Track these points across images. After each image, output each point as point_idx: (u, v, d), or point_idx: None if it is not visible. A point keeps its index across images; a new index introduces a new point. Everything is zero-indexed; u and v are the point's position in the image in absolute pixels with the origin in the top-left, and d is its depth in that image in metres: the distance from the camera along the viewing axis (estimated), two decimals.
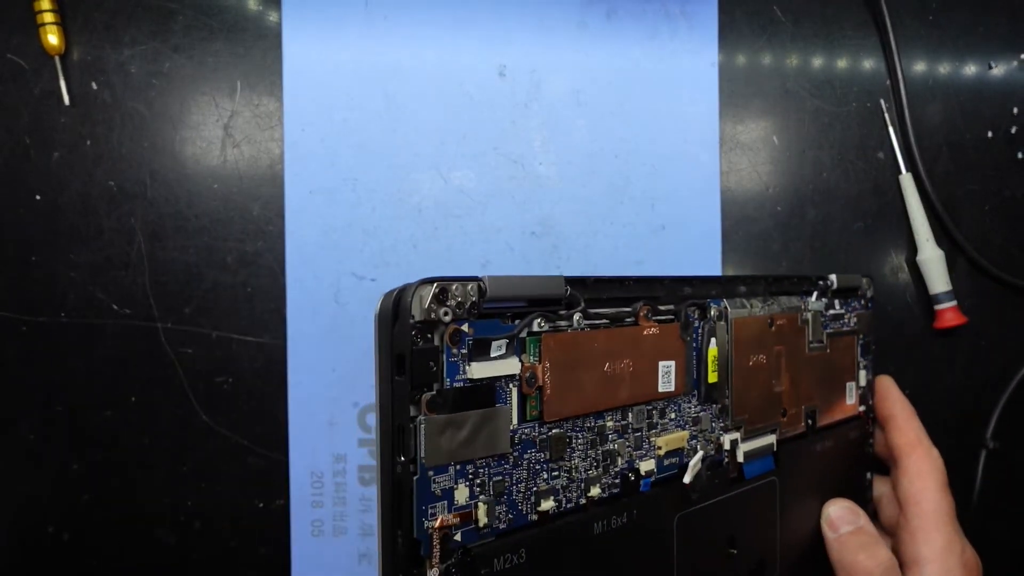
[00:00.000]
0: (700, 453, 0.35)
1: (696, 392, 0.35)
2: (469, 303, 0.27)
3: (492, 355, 0.27)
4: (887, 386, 0.46)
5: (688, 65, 0.48)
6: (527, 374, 0.28)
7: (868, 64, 0.51)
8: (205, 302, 0.44)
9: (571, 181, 0.47)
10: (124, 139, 0.43)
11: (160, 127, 0.43)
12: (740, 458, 0.37)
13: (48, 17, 0.41)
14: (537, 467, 0.29)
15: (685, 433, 0.35)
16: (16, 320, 0.42)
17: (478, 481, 0.27)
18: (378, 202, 0.45)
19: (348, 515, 0.45)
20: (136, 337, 0.43)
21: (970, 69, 0.51)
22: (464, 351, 0.27)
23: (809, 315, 0.41)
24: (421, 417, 0.25)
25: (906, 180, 0.50)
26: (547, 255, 0.47)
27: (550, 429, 0.29)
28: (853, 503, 0.43)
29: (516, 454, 0.28)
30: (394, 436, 0.25)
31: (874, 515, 0.45)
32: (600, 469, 0.31)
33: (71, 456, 0.43)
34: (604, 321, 0.31)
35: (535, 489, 0.29)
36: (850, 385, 0.44)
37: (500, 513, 0.28)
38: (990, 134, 0.51)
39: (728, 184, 0.49)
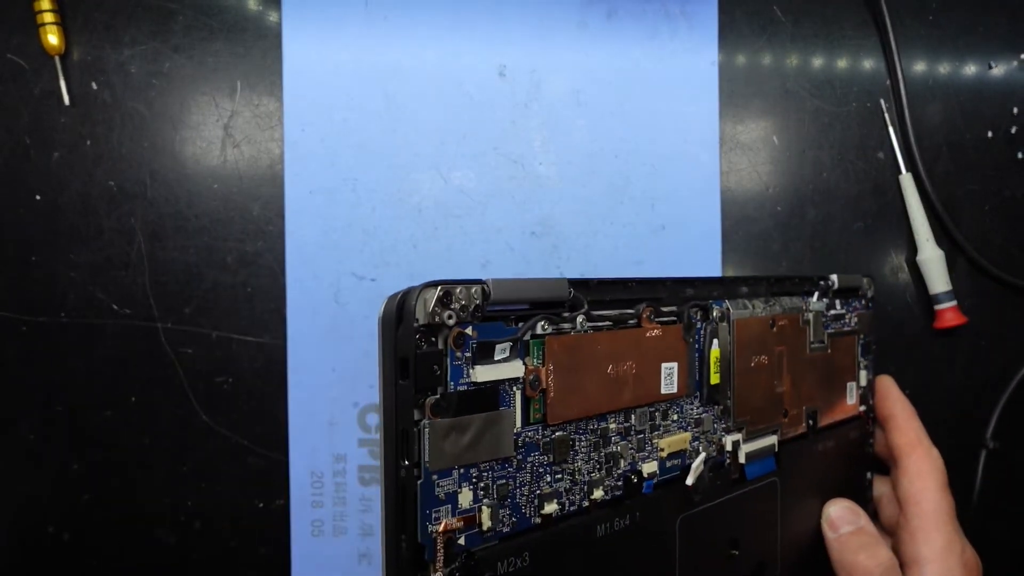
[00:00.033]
0: (703, 455, 0.35)
1: (698, 393, 0.35)
2: (473, 306, 0.27)
3: (496, 358, 0.27)
4: (887, 386, 0.46)
5: (688, 65, 0.48)
6: (531, 377, 0.28)
7: (868, 64, 0.51)
8: (205, 302, 0.44)
9: (571, 181, 0.47)
10: (124, 139, 0.43)
11: (160, 127, 0.43)
12: (742, 459, 0.37)
13: (48, 17, 0.41)
14: (540, 470, 0.29)
15: (687, 435, 0.35)
16: (16, 320, 0.42)
17: (482, 485, 0.27)
18: (378, 202, 0.45)
19: (348, 515, 0.45)
20: (136, 337, 0.43)
21: (970, 69, 0.51)
22: (468, 354, 0.27)
23: (811, 315, 0.41)
24: (425, 421, 0.25)
25: (906, 180, 0.50)
26: (547, 255, 0.47)
27: (553, 432, 0.29)
28: (853, 503, 0.43)
29: (520, 457, 0.28)
30: (398, 440, 0.25)
31: (874, 515, 0.45)
32: (603, 471, 0.31)
33: (71, 456, 0.43)
34: (607, 323, 0.31)
35: (538, 492, 0.29)
36: (851, 385, 0.44)
37: (504, 516, 0.28)
38: (990, 134, 0.51)
39: (728, 184, 0.49)
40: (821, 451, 0.42)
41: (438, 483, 0.26)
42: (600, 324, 0.31)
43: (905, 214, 0.50)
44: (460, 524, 0.26)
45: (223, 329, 0.44)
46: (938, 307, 0.50)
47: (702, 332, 0.36)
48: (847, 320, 0.44)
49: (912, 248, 0.50)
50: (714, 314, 0.36)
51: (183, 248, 0.43)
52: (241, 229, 0.44)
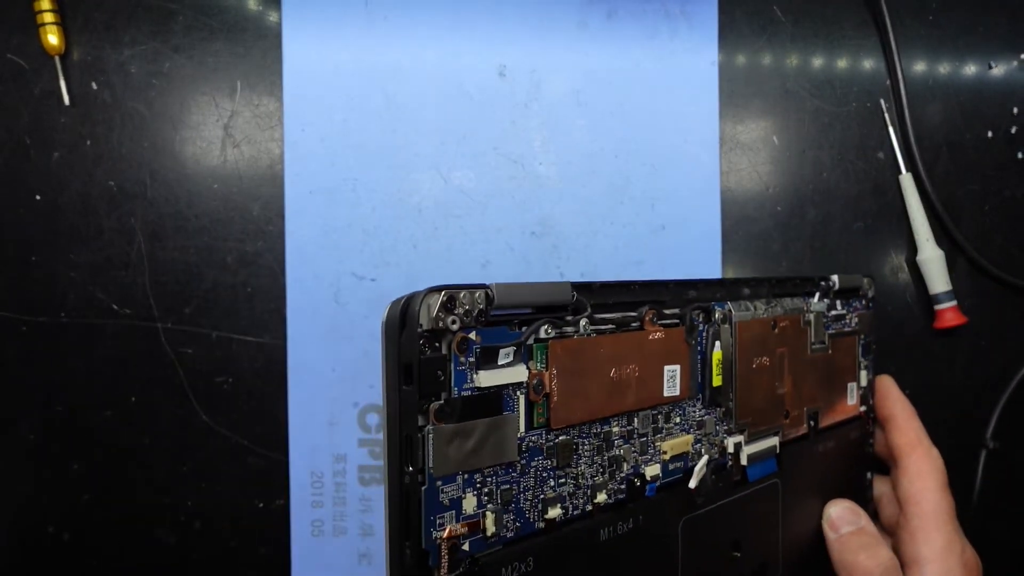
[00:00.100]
0: (705, 457, 0.35)
1: (700, 396, 0.35)
2: (477, 311, 0.26)
3: (500, 363, 0.27)
4: (887, 386, 0.46)
5: (688, 65, 0.48)
6: (534, 381, 0.28)
7: (868, 64, 0.51)
8: (205, 302, 0.43)
9: (571, 181, 0.47)
10: (124, 139, 0.43)
11: (160, 127, 0.43)
12: (744, 461, 0.37)
13: (48, 17, 0.41)
14: (544, 474, 0.29)
15: (690, 437, 0.35)
16: (16, 320, 0.42)
17: (486, 490, 0.27)
18: (378, 202, 0.45)
19: (348, 515, 0.45)
20: (136, 337, 0.43)
21: (970, 69, 0.51)
22: (472, 359, 0.26)
23: (812, 316, 0.41)
24: (429, 427, 0.25)
25: (906, 180, 0.50)
26: (547, 255, 0.47)
27: (557, 436, 0.29)
28: (854, 503, 0.43)
29: (523, 462, 0.28)
30: (402, 446, 0.25)
31: (874, 515, 0.45)
32: (606, 475, 0.31)
33: (71, 456, 0.43)
34: (610, 326, 0.31)
35: (542, 496, 0.29)
36: (851, 385, 0.44)
37: (508, 521, 0.28)
38: (990, 134, 0.51)
39: (728, 184, 0.49)
40: (822, 452, 0.42)
41: (442, 489, 0.25)
42: (603, 327, 0.31)
43: (905, 214, 0.50)
44: (464, 530, 0.26)
45: (223, 329, 0.44)
46: (938, 307, 0.50)
47: (704, 334, 0.36)
48: (847, 320, 0.44)
49: (912, 248, 0.50)
50: (716, 316, 0.36)
51: (183, 248, 0.43)
52: (241, 229, 0.44)
